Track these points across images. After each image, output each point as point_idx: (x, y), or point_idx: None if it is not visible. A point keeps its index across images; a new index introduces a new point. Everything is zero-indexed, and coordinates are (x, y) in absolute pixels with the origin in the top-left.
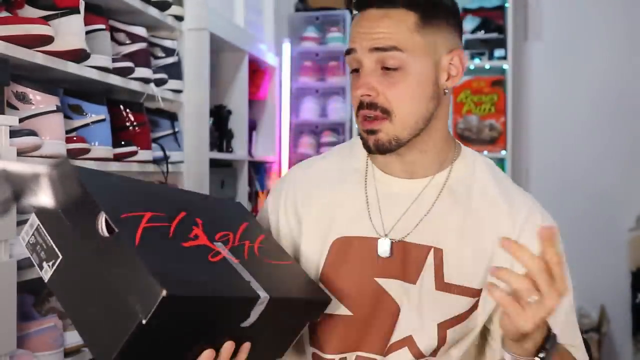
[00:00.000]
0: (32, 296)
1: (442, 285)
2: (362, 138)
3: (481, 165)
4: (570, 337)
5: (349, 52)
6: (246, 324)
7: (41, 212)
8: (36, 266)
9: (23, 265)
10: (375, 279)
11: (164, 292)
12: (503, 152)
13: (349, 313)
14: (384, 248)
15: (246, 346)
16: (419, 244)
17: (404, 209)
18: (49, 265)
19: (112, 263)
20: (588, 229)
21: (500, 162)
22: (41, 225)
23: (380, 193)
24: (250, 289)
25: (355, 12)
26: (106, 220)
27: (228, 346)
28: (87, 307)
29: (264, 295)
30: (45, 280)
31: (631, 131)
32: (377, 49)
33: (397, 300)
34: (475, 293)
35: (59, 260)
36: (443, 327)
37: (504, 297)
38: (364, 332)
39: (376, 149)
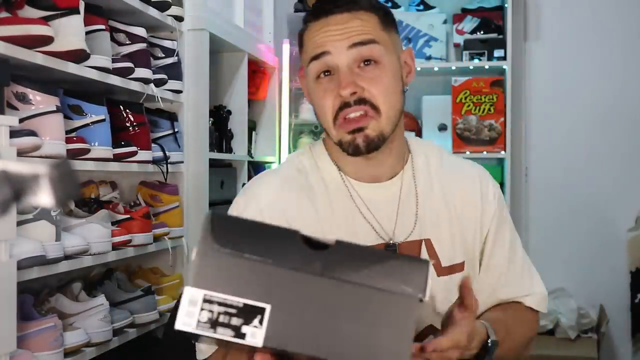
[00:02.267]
0: (32, 296)
1: (442, 270)
2: (345, 142)
3: (429, 150)
4: (520, 288)
5: (317, 57)
6: None
7: (202, 280)
8: (233, 340)
9: (23, 265)
10: None
11: (431, 262)
12: (502, 153)
13: None
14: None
15: None
16: (411, 241)
17: (394, 213)
18: (255, 326)
19: (356, 267)
20: (587, 229)
21: (500, 163)
22: (212, 293)
23: (367, 201)
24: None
25: (309, 22)
26: (303, 238)
27: None
28: (342, 331)
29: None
30: (261, 345)
31: (630, 131)
32: (357, 44)
33: None
34: (462, 266)
35: (267, 312)
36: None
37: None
38: None
39: (366, 147)
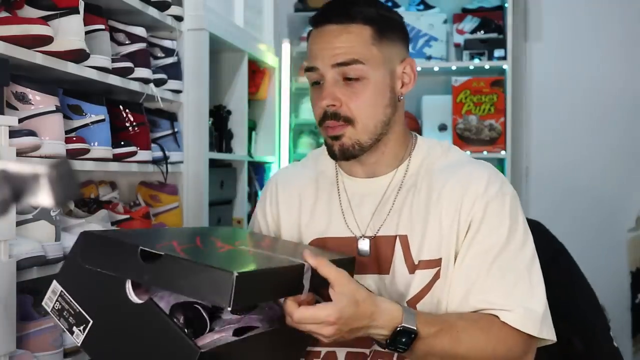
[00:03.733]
0: (31, 296)
1: (413, 267)
2: (327, 146)
3: (436, 151)
4: (498, 299)
5: (309, 69)
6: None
7: (63, 278)
8: (66, 331)
9: (23, 265)
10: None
11: (236, 273)
12: (502, 153)
13: None
14: (363, 247)
15: None
16: (387, 236)
17: (374, 208)
18: (80, 330)
19: (147, 327)
20: (587, 229)
21: (500, 163)
22: (65, 292)
23: (351, 195)
24: (294, 262)
25: (311, 28)
26: (141, 252)
27: None
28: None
29: (307, 264)
30: (79, 344)
31: (631, 131)
32: (340, 64)
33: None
34: (437, 263)
35: (90, 325)
36: (412, 303)
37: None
38: None
39: (341, 154)
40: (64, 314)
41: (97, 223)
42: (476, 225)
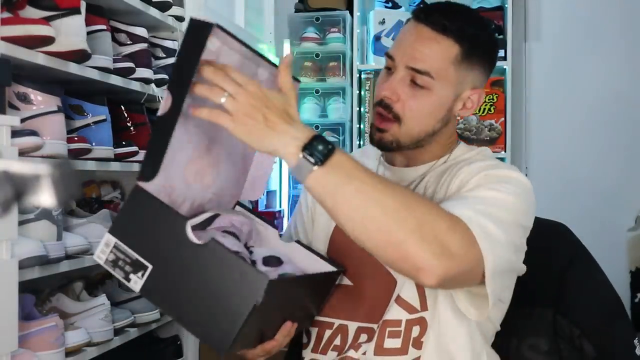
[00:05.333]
0: (33, 296)
1: None
2: (371, 127)
3: (472, 152)
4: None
5: (388, 55)
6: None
7: (116, 230)
8: (121, 280)
9: (24, 265)
10: None
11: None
12: (502, 153)
13: (350, 283)
14: None
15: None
16: None
17: None
18: (137, 277)
19: (211, 265)
20: (587, 228)
21: None
22: (119, 242)
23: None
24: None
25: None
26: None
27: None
28: (191, 305)
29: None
30: (137, 290)
31: (630, 131)
32: (413, 69)
33: (392, 273)
34: None
35: (149, 270)
36: None
37: (203, 111)
38: (363, 302)
39: (378, 146)
40: (119, 263)
41: (99, 223)
42: (463, 188)
